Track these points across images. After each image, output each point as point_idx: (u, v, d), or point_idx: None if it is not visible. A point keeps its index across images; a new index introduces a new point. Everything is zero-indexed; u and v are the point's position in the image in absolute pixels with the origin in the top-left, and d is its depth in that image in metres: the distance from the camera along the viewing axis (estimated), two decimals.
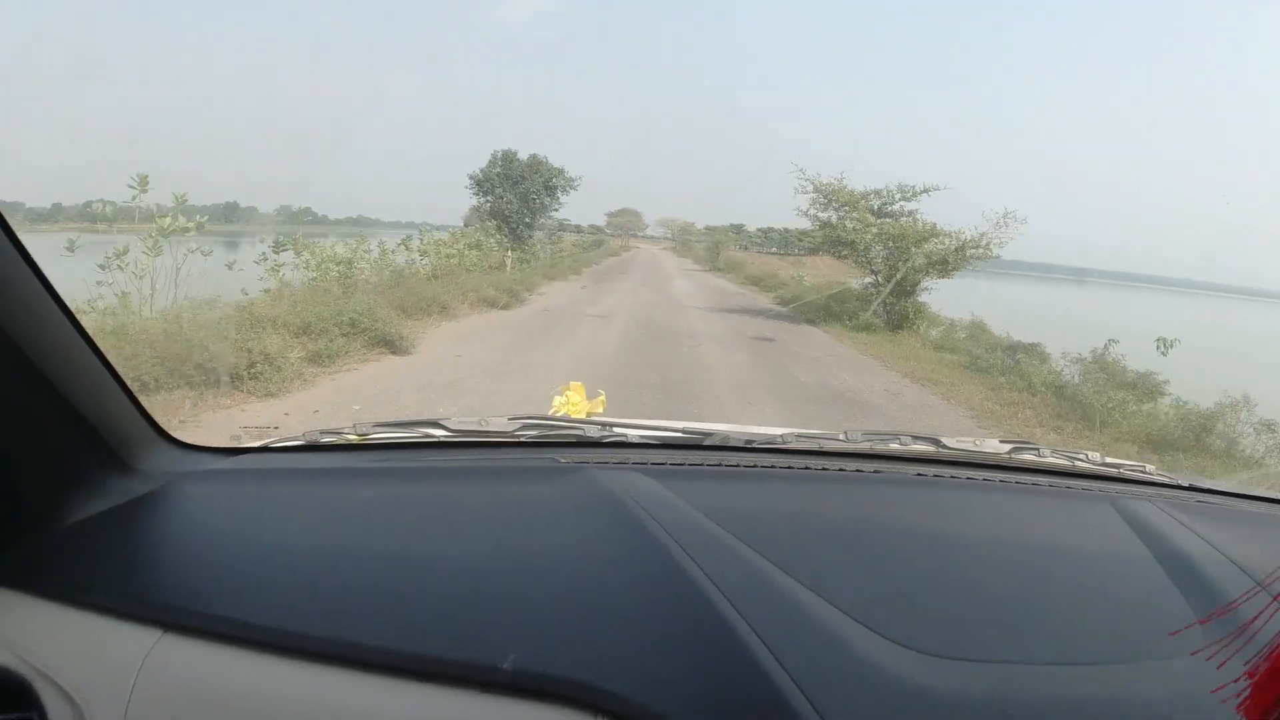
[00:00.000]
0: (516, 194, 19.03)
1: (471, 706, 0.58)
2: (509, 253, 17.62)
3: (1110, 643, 0.67)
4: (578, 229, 47.66)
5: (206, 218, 6.64)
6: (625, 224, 57.53)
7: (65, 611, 0.68)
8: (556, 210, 20.66)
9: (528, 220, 19.42)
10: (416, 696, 0.59)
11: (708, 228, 53.87)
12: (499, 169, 19.36)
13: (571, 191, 20.59)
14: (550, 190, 20.07)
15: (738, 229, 52.20)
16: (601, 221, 54.87)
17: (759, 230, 51.41)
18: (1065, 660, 0.63)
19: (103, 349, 0.76)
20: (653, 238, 61.70)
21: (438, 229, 16.30)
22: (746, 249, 47.42)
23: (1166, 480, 1.08)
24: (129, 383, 0.81)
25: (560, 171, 20.20)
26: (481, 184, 19.54)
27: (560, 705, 0.57)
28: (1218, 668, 0.49)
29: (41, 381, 0.68)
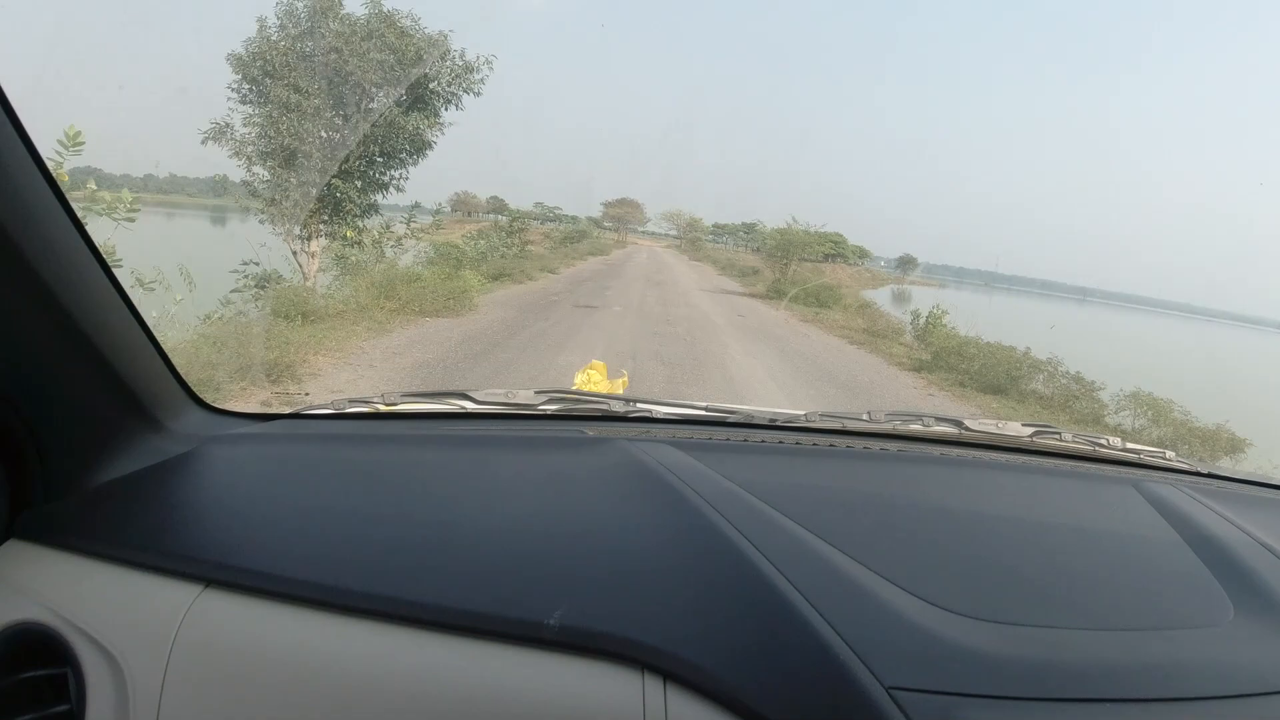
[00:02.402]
0: (332, 101, 8.07)
1: (518, 662, 0.60)
2: (310, 244, 8.70)
3: (1144, 613, 0.68)
4: (574, 220, 45.31)
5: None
6: (623, 216, 54.21)
7: (102, 568, 0.70)
8: (434, 143, 9.30)
9: (364, 167, 8.63)
10: (461, 651, 0.61)
11: (716, 225, 51.41)
12: (293, 41, 8.11)
13: (472, 96, 9.31)
14: (421, 100, 8.77)
15: (750, 228, 50.06)
16: (598, 213, 52.02)
17: (775, 230, 49.31)
18: (1101, 627, 0.64)
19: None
20: (653, 234, 58.13)
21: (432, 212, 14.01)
22: (758, 250, 45.56)
23: (1187, 467, 1.11)
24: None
25: (442, 46, 8.70)
26: (251, 75, 8.18)
27: (607, 661, 0.59)
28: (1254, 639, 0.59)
29: (80, 339, 0.69)
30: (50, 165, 0.66)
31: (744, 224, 51.12)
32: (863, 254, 49.31)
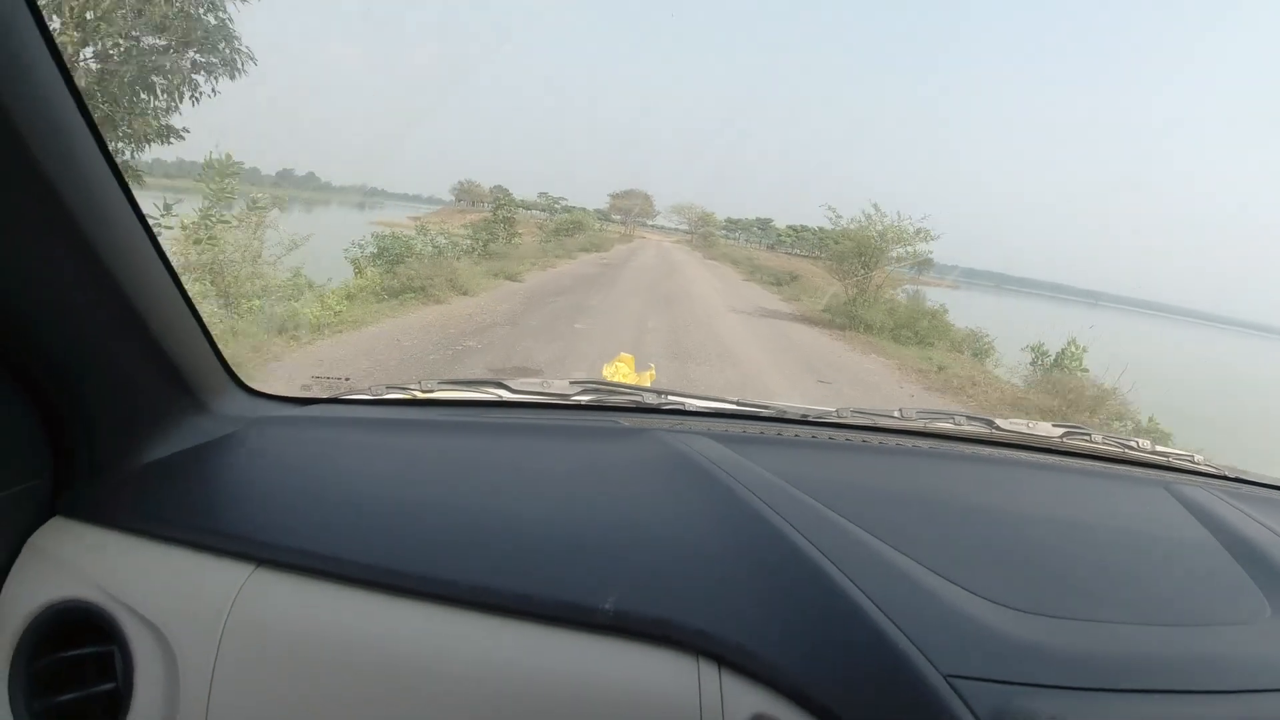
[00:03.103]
0: None
1: (571, 645, 0.61)
2: None
3: (1184, 609, 0.69)
4: (569, 209, 43.85)
5: None
6: (631, 208, 52.31)
7: (150, 546, 0.70)
8: (248, 52, 5.85)
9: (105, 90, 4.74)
10: (513, 634, 0.61)
11: (729, 220, 49.49)
12: None
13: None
14: None
15: (764, 224, 48.39)
16: (605, 205, 50.21)
17: (789, 228, 47.25)
18: (1144, 621, 0.65)
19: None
20: (662, 228, 55.98)
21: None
22: (773, 248, 44.09)
23: (1215, 471, 1.12)
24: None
25: None
26: None
27: (662, 646, 0.60)
28: None
29: (131, 318, 0.69)
30: None
31: (758, 219, 49.40)
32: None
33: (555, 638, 0.61)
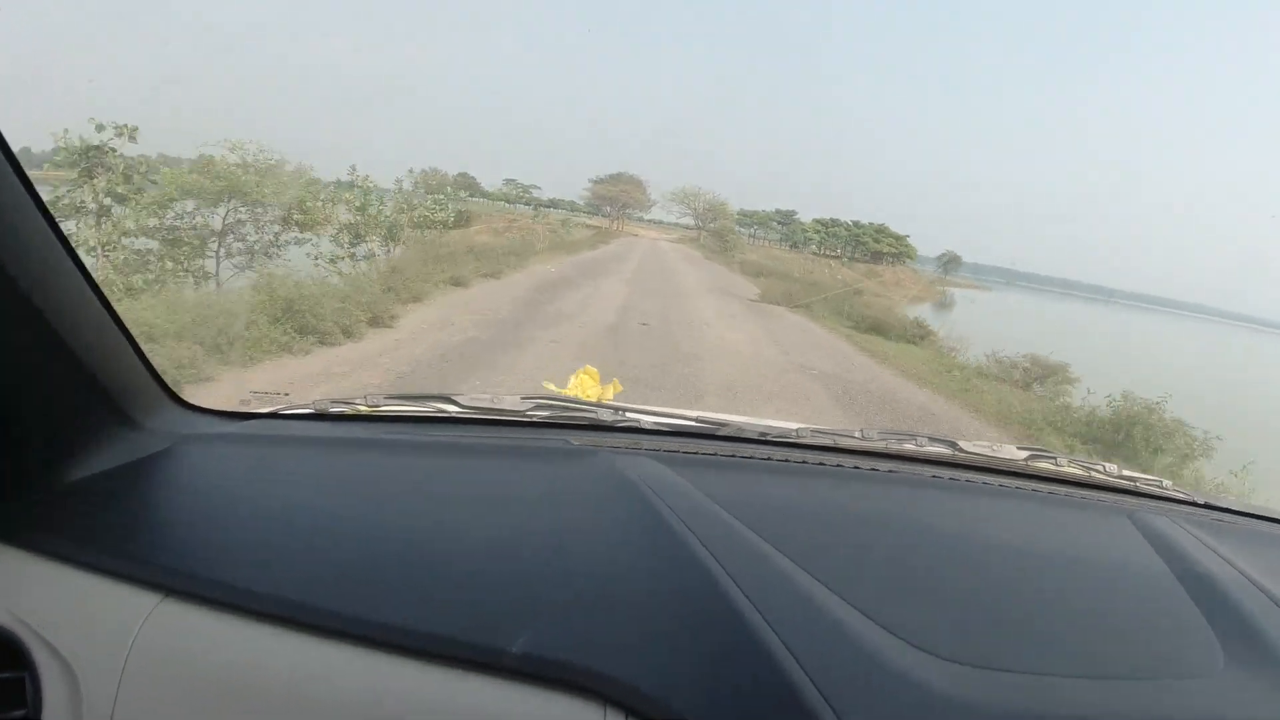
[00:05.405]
0: None
1: (476, 689, 0.60)
2: None
3: (1132, 659, 0.69)
4: (574, 205, 37.87)
5: None
6: (619, 197, 44.57)
7: (64, 570, 0.70)
8: None
9: None
10: (419, 675, 0.62)
11: (743, 212, 42.96)
12: None
13: None
14: None
15: (787, 217, 42.89)
16: (588, 192, 43.78)
17: (816, 222, 41.65)
18: (1087, 674, 0.64)
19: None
20: (660, 223, 48.34)
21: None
22: (796, 247, 39.10)
23: (1183, 497, 1.11)
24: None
25: None
26: None
27: (569, 693, 0.59)
28: (1244, 691, 0.62)
29: (49, 333, 0.70)
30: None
31: (778, 211, 43.43)
32: (910, 252, 42.70)
33: (462, 681, 0.60)
